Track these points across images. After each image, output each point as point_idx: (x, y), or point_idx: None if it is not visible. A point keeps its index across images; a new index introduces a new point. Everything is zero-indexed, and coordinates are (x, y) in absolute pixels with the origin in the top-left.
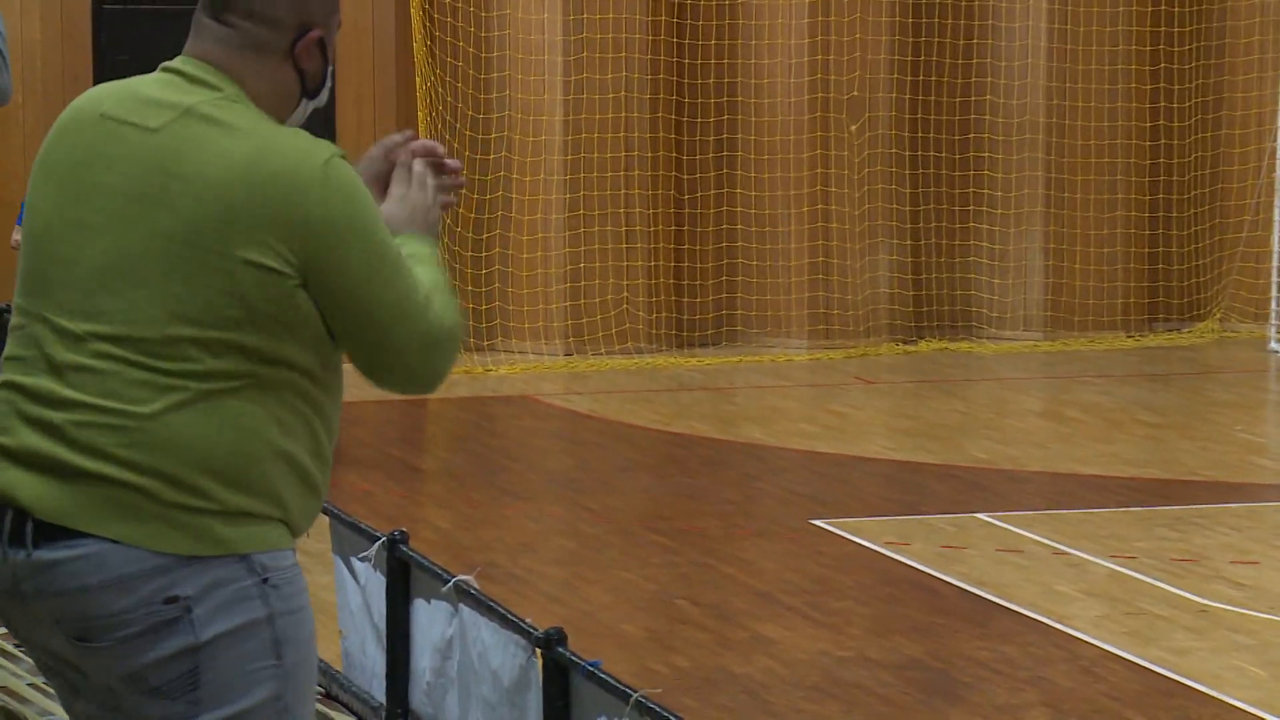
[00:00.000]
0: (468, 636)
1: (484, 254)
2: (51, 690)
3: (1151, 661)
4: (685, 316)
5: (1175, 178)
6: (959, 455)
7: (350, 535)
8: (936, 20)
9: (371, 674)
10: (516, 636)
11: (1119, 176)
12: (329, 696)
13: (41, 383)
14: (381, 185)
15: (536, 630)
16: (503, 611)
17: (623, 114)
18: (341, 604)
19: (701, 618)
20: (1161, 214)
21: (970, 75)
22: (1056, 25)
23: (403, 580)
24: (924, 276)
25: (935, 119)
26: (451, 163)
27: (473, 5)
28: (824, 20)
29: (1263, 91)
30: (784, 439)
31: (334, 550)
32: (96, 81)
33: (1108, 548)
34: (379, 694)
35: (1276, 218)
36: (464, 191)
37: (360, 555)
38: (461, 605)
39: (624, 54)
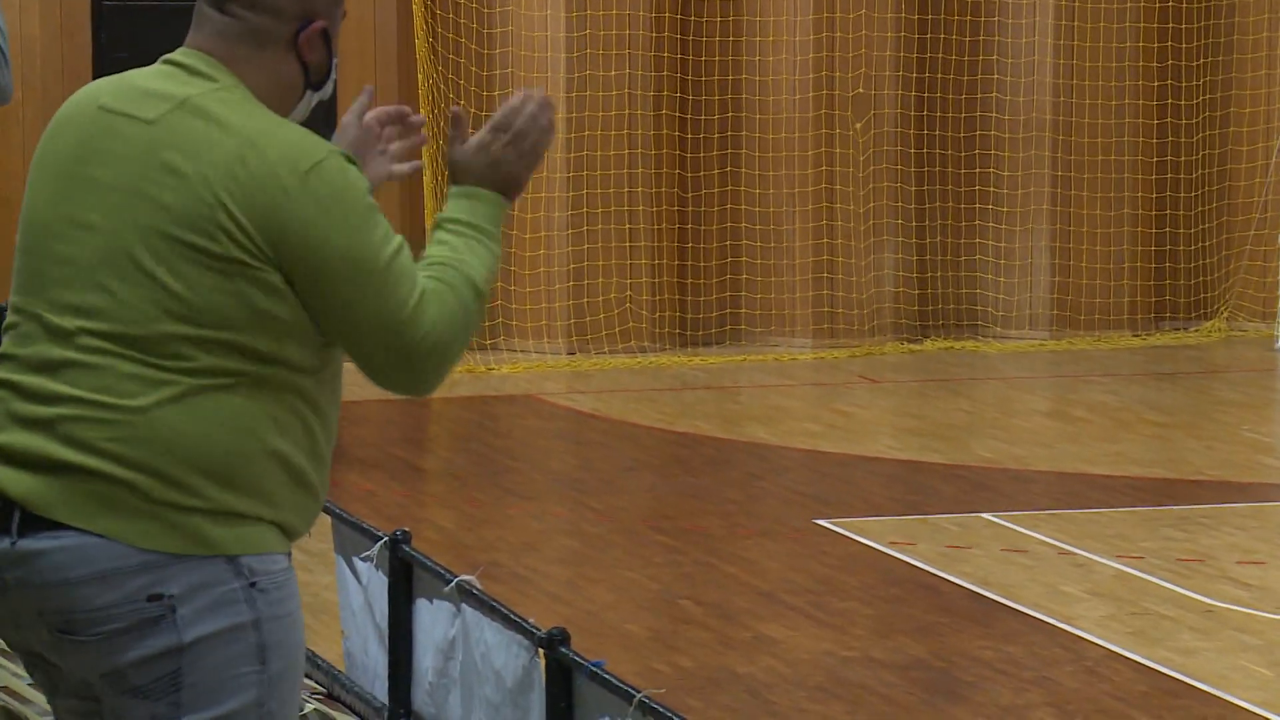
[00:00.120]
0: (470, 637)
1: None
2: None
3: (1157, 662)
4: (689, 315)
5: (1182, 176)
6: (964, 455)
7: (352, 535)
8: (942, 17)
9: (374, 674)
10: (519, 637)
11: (1126, 175)
12: (330, 697)
13: (33, 380)
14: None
15: (539, 630)
16: (505, 611)
17: (626, 111)
18: (343, 604)
19: (705, 618)
20: (1168, 213)
21: (976, 73)
22: (1063, 23)
23: (405, 580)
24: (929, 275)
25: (941, 117)
26: (416, 118)
27: (475, 2)
28: (829, 17)
29: (1270, 90)
30: (788, 438)
31: (336, 550)
32: (96, 79)
33: (1114, 548)
34: (381, 694)
35: None
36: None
37: (362, 555)
38: (464, 605)
39: (627, 51)
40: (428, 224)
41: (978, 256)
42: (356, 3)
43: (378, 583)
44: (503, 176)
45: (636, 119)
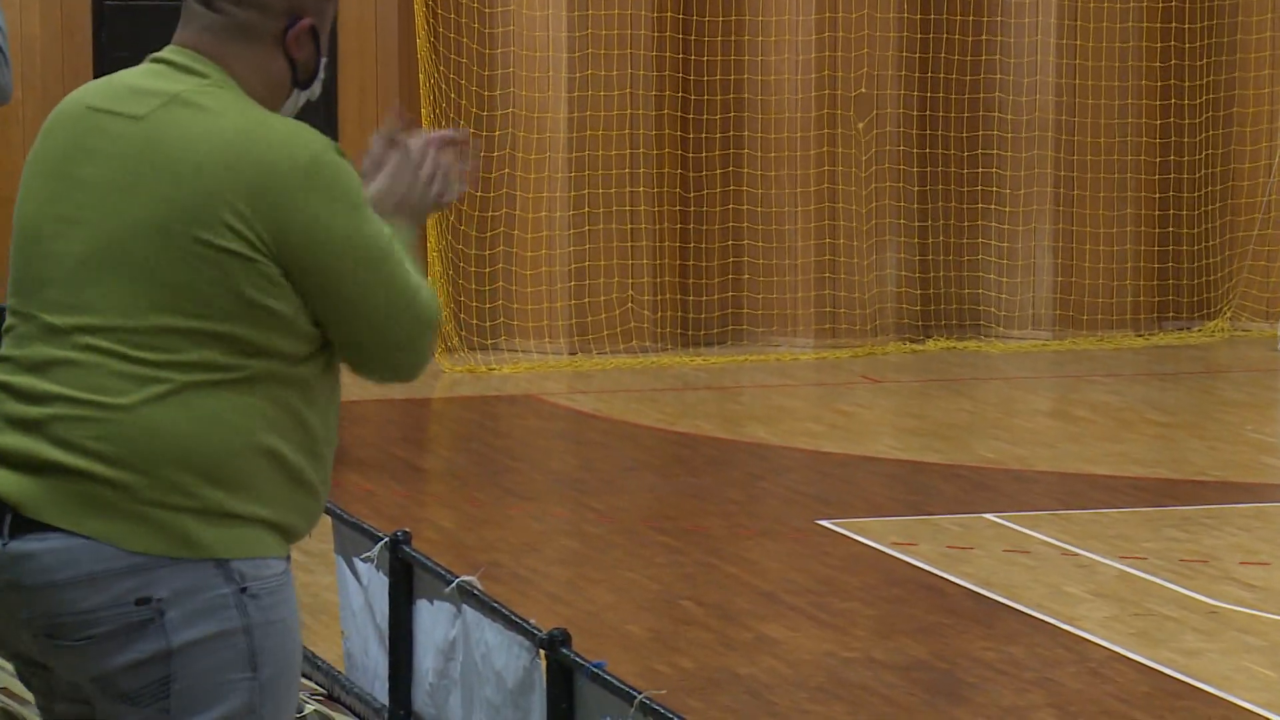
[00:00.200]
0: (471, 637)
1: (488, 252)
2: None
3: (1160, 663)
4: (690, 315)
5: (1185, 176)
6: (966, 455)
7: (353, 535)
8: (945, 17)
9: (374, 675)
10: (520, 637)
11: (1128, 175)
12: (331, 698)
13: (26, 380)
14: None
15: (540, 631)
16: (506, 612)
17: (628, 111)
18: (344, 605)
19: (706, 618)
20: (1171, 212)
21: (979, 73)
22: (1066, 22)
23: (405, 581)
24: (932, 275)
25: (943, 117)
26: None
27: (477, 1)
28: (831, 17)
29: (1274, 89)
30: (790, 438)
31: (336, 550)
32: (97, 78)
33: (1116, 548)
34: (381, 695)
35: None
36: (468, 189)
37: (363, 556)
38: (465, 606)
39: (629, 50)
40: (430, 236)
41: (980, 256)
42: (358, 2)
43: (378, 583)
44: (409, 212)
45: (638, 119)
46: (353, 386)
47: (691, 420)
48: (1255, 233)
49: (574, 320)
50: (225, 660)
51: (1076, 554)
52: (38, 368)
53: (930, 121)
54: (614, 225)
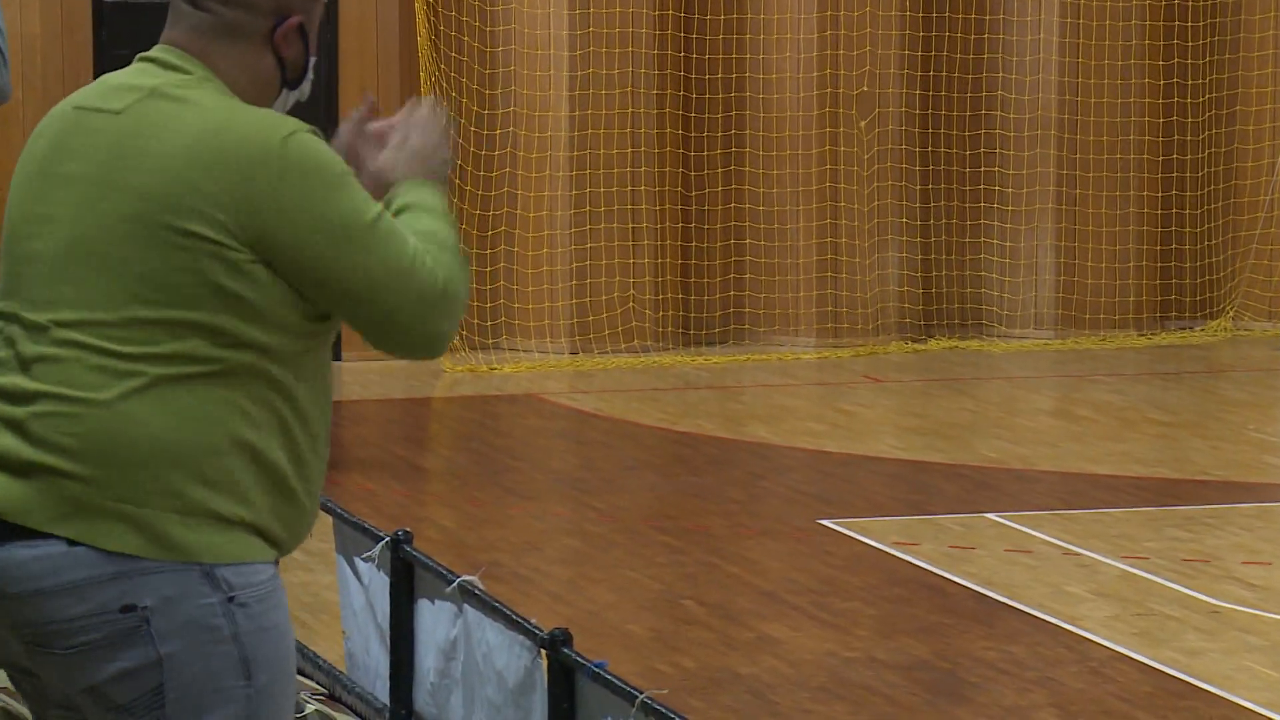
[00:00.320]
0: (472, 637)
1: (489, 251)
2: None
3: (1162, 663)
4: (692, 314)
5: (1188, 175)
6: (968, 454)
7: (354, 535)
8: (947, 15)
9: (375, 675)
10: (521, 637)
11: (1131, 174)
12: (332, 697)
13: (10, 380)
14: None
15: (541, 631)
16: (507, 612)
17: (629, 110)
18: (345, 604)
19: (707, 618)
20: (1174, 211)
21: (981, 71)
22: (1068, 21)
23: (406, 580)
24: (934, 274)
25: (946, 115)
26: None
27: (478, 0)
28: (833, 15)
29: (1277, 89)
30: (791, 438)
31: (337, 550)
32: (97, 78)
33: (1118, 548)
34: (382, 695)
35: None
36: (467, 188)
37: (364, 555)
38: (466, 605)
39: (630, 49)
40: None
41: (982, 255)
42: (359, 1)
43: (379, 583)
44: (427, 170)
45: (640, 117)
46: (352, 386)
47: (693, 419)
48: (1258, 232)
49: (575, 319)
50: (217, 669)
51: (1078, 554)
52: (21, 366)
53: (932, 120)
54: (615, 224)
